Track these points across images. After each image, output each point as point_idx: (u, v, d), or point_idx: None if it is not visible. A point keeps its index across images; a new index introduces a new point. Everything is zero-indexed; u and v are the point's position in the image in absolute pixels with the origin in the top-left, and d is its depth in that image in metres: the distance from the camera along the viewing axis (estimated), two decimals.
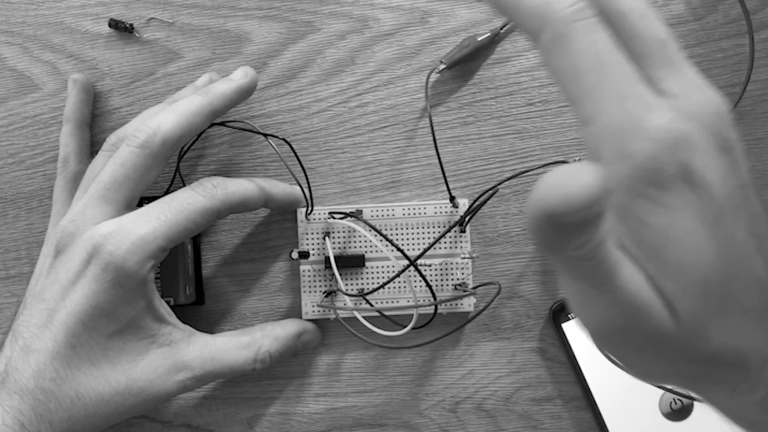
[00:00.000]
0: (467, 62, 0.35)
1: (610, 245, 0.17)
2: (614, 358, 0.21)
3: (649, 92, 0.18)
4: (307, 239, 0.34)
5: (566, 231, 0.16)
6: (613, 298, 0.18)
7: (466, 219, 0.34)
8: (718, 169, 0.18)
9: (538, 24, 0.19)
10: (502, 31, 0.35)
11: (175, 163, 0.34)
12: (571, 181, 0.15)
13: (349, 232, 0.34)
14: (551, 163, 0.34)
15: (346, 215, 0.34)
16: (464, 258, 0.34)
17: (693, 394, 0.21)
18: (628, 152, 0.17)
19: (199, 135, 0.33)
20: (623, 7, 0.19)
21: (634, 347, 0.19)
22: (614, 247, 0.18)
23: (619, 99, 0.18)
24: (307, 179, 0.34)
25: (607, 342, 0.20)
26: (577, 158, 0.33)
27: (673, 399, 0.34)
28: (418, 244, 0.34)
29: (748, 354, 0.19)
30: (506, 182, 0.34)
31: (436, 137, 0.33)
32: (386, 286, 0.34)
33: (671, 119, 0.17)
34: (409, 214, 0.34)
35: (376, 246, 0.34)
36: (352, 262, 0.34)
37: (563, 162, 0.34)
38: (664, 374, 0.20)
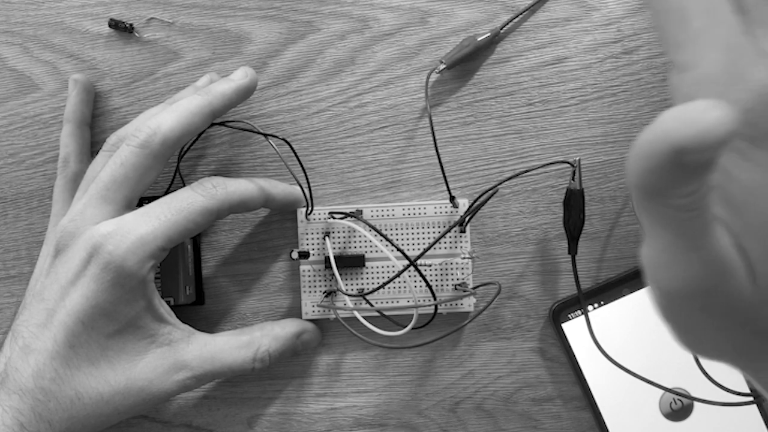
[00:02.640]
0: (467, 62, 0.35)
1: (712, 198, 0.17)
2: (676, 327, 0.20)
3: (752, 48, 0.18)
4: (307, 239, 0.34)
5: (685, 173, 0.15)
6: (702, 256, 0.17)
7: (466, 219, 0.34)
8: None
9: None
10: (502, 31, 0.35)
11: (175, 163, 0.34)
12: (707, 114, 0.14)
13: (349, 232, 0.34)
14: (551, 163, 0.34)
15: (346, 215, 0.34)
16: (464, 258, 0.34)
17: (745, 374, 0.20)
18: (726, 100, 0.16)
19: (199, 135, 0.33)
20: None
21: (708, 312, 0.19)
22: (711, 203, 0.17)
23: (725, 47, 0.17)
24: (307, 179, 0.34)
25: (679, 304, 0.19)
26: (578, 158, 0.33)
27: (673, 399, 0.34)
28: (418, 244, 0.34)
29: None
30: (506, 182, 0.34)
31: (436, 137, 0.33)
32: (386, 286, 0.34)
33: None
34: (409, 214, 0.34)
35: (376, 246, 0.34)
36: (352, 262, 0.34)
37: (564, 162, 0.34)
38: (724, 347, 0.20)
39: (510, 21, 0.35)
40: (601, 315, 0.35)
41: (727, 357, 0.20)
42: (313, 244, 0.34)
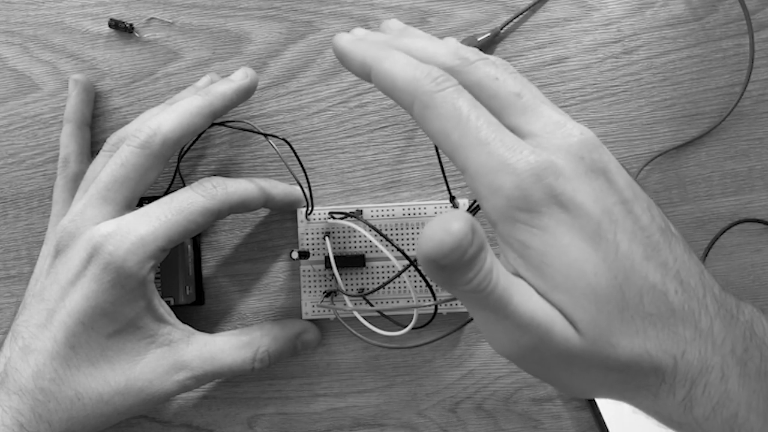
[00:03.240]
0: None
1: (498, 274, 0.20)
2: (541, 379, 0.23)
3: (511, 137, 0.21)
4: (307, 239, 0.34)
5: (451, 271, 0.18)
6: (513, 322, 0.20)
7: None
8: (590, 189, 0.20)
9: (410, 98, 0.22)
10: (502, 31, 0.35)
11: (175, 163, 0.34)
12: (441, 231, 0.18)
13: (349, 232, 0.34)
14: None
15: (346, 215, 0.34)
16: None
17: (625, 403, 0.22)
18: (497, 186, 0.20)
19: (199, 135, 0.33)
20: (478, 75, 0.22)
21: (549, 365, 0.21)
22: (504, 276, 0.20)
23: (481, 145, 0.21)
24: (307, 179, 0.34)
25: (522, 364, 0.22)
26: None
27: None
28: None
29: (659, 357, 0.20)
30: None
31: None
32: (386, 286, 0.34)
33: (531, 152, 0.20)
34: (409, 214, 0.34)
35: (376, 246, 0.34)
36: (352, 262, 0.34)
37: None
38: (590, 388, 0.22)
39: (510, 21, 0.35)
40: None
41: (601, 394, 0.22)
42: (313, 244, 0.34)
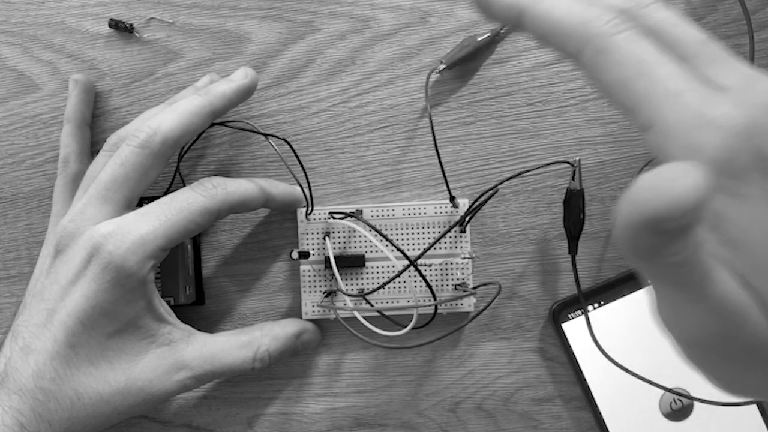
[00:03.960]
0: (467, 62, 0.35)
1: (705, 248, 0.17)
2: (706, 375, 0.20)
3: (707, 89, 0.18)
4: (307, 239, 0.34)
5: (668, 237, 0.15)
6: (710, 305, 0.17)
7: (466, 219, 0.34)
8: None
9: (578, 44, 0.19)
10: (502, 31, 0.35)
11: (175, 163, 0.34)
12: (678, 181, 0.14)
13: (349, 232, 0.34)
14: (551, 163, 0.34)
15: (346, 215, 0.34)
16: (464, 258, 0.34)
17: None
18: (697, 145, 0.17)
19: (199, 135, 0.33)
20: (656, 19, 0.19)
21: (730, 358, 0.18)
22: (705, 251, 0.17)
23: (676, 95, 0.18)
24: (307, 179, 0.34)
25: (701, 354, 0.19)
26: (578, 158, 0.33)
27: (673, 399, 0.34)
28: (418, 244, 0.34)
29: None
30: (506, 182, 0.34)
31: (436, 137, 0.33)
32: (386, 286, 0.34)
33: (734, 107, 0.17)
34: (409, 214, 0.34)
35: (376, 246, 0.34)
36: (352, 262, 0.34)
37: (564, 162, 0.34)
38: (757, 387, 0.20)
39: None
40: (601, 315, 0.35)
41: (764, 395, 0.20)
42: (313, 244, 0.34)
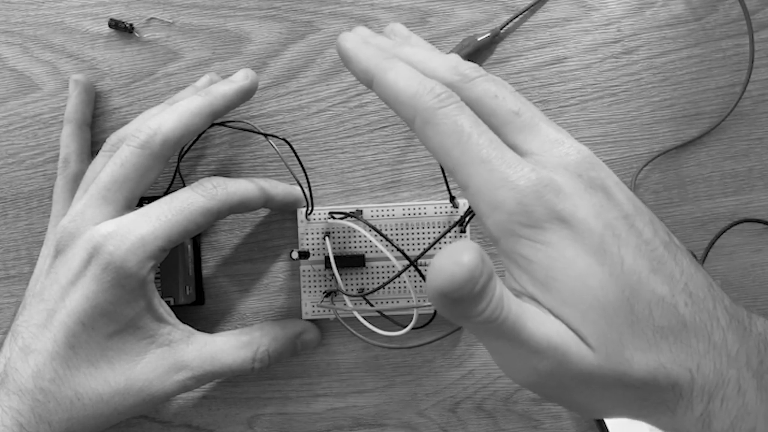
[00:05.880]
0: None
1: (509, 301, 0.19)
2: (562, 405, 0.22)
3: (512, 154, 0.21)
4: (307, 239, 0.34)
5: (464, 303, 0.18)
6: (530, 348, 0.20)
7: (466, 219, 0.34)
8: (590, 204, 0.21)
9: (411, 113, 0.22)
10: (502, 31, 0.35)
11: (175, 163, 0.34)
12: (451, 263, 0.17)
13: (349, 232, 0.34)
14: None
15: (346, 215, 0.34)
16: None
17: (642, 421, 0.22)
18: (499, 202, 0.20)
19: (199, 135, 0.33)
20: (477, 91, 0.23)
21: (568, 388, 0.20)
22: (515, 302, 0.20)
23: (482, 162, 0.21)
24: (307, 179, 0.34)
25: (541, 390, 0.21)
26: None
27: None
28: (418, 244, 0.34)
29: (675, 371, 0.20)
30: None
31: None
32: (386, 286, 0.34)
33: (531, 170, 0.21)
34: (409, 214, 0.34)
35: (376, 246, 0.34)
36: (352, 262, 0.34)
37: None
38: (608, 407, 0.21)
39: (510, 21, 0.35)
40: None
41: (620, 414, 0.22)
42: (313, 244, 0.34)
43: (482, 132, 0.21)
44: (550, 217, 0.20)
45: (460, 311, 0.18)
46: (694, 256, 0.35)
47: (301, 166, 0.34)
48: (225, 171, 0.36)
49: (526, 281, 0.21)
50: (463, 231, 0.34)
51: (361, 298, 0.34)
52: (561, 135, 0.22)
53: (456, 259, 0.18)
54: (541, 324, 0.20)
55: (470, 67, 0.24)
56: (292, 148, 0.34)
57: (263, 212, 0.36)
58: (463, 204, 0.34)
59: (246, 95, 0.32)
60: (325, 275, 0.34)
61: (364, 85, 0.25)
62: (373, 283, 0.34)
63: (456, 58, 0.24)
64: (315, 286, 0.34)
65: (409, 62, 0.24)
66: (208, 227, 0.34)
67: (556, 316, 0.20)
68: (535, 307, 0.20)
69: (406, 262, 0.31)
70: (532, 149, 0.22)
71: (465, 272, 0.17)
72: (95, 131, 0.36)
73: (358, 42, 0.25)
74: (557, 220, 0.20)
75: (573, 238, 0.20)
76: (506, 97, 0.23)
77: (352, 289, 0.34)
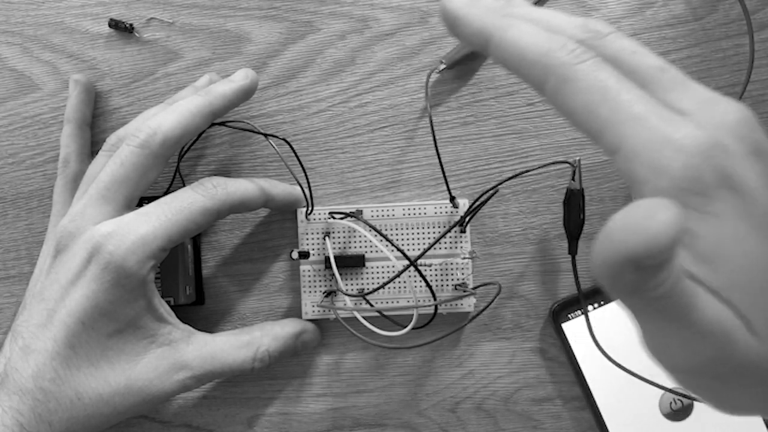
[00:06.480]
0: (467, 62, 0.35)
1: (685, 276, 0.17)
2: (702, 398, 0.20)
3: (669, 112, 0.18)
4: (307, 239, 0.34)
5: (648, 272, 0.15)
6: (696, 331, 0.17)
7: (466, 219, 0.34)
8: (756, 172, 0.18)
9: (543, 72, 0.20)
10: None
11: (175, 163, 0.34)
12: (651, 220, 0.14)
13: (349, 232, 0.34)
14: (551, 163, 0.34)
15: (346, 215, 0.34)
16: (464, 258, 0.34)
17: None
18: (662, 166, 0.17)
19: (199, 135, 0.33)
20: (614, 48, 0.20)
21: (721, 379, 0.19)
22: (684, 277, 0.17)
23: (639, 119, 0.18)
24: (307, 179, 0.34)
25: (692, 378, 0.19)
26: (578, 158, 0.33)
27: (673, 399, 0.34)
28: (418, 244, 0.34)
29: None
30: (506, 182, 0.34)
31: (436, 137, 0.33)
32: (386, 286, 0.34)
33: (696, 128, 0.18)
34: (409, 214, 0.34)
35: (376, 246, 0.34)
36: (352, 262, 0.34)
37: (564, 162, 0.34)
38: (755, 404, 0.20)
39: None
40: (601, 315, 0.35)
41: (758, 412, 0.20)
42: (313, 244, 0.34)
43: (630, 88, 0.19)
44: (719, 185, 0.17)
45: (636, 281, 0.16)
46: None
47: (301, 166, 0.34)
48: (225, 171, 0.36)
49: (688, 258, 0.18)
50: (463, 231, 0.34)
51: (361, 298, 0.34)
52: (714, 93, 0.19)
53: (656, 216, 0.14)
54: (710, 304, 0.17)
55: (600, 23, 0.21)
56: (292, 148, 0.34)
57: (263, 212, 0.36)
58: (463, 204, 0.34)
59: (246, 95, 0.32)
60: (325, 275, 0.34)
61: (475, 48, 0.22)
62: (373, 283, 0.34)
63: (581, 18, 0.21)
64: (315, 286, 0.34)
65: (528, 20, 0.21)
66: (208, 227, 0.34)
67: (722, 299, 0.18)
68: (702, 287, 0.18)
69: (406, 262, 0.31)
70: (685, 108, 0.19)
71: (670, 234, 0.14)
72: (95, 131, 0.36)
73: (467, 2, 0.22)
74: (727, 188, 0.17)
75: (744, 209, 0.18)
76: (646, 53, 0.20)
77: (352, 289, 0.34)
